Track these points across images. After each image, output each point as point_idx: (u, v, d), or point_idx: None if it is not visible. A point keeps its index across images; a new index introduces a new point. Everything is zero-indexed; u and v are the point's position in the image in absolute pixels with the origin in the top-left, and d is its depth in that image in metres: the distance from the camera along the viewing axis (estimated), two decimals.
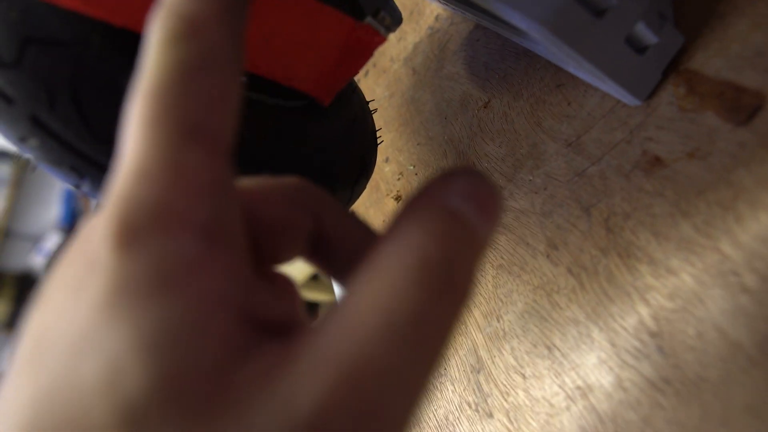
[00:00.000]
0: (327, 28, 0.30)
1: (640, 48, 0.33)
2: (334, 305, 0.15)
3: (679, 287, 0.30)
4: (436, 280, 0.15)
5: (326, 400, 0.13)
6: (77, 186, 0.28)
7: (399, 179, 0.55)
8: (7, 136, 0.27)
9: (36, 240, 3.85)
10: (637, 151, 0.34)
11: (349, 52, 0.32)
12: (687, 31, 0.34)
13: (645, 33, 0.32)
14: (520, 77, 0.45)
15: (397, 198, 0.54)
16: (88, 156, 0.27)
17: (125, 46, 0.28)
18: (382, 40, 0.31)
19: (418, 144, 0.53)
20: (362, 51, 0.32)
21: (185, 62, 0.16)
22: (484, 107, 0.47)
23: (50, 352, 0.14)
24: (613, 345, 0.32)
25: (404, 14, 0.63)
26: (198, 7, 0.17)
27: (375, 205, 0.58)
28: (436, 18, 0.60)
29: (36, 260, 3.77)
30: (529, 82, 0.44)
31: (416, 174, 0.53)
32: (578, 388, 0.33)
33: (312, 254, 0.21)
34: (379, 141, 0.44)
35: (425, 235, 0.16)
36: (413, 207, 0.17)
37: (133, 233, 0.14)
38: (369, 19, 0.31)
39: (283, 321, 0.17)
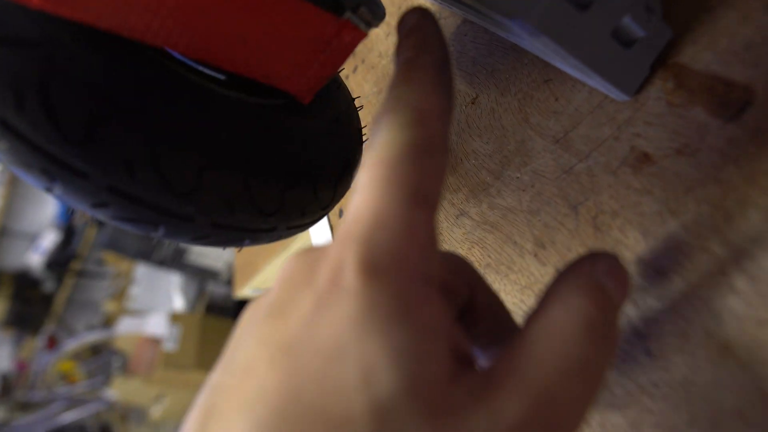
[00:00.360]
0: (305, 24, 0.29)
1: (626, 42, 0.32)
2: (512, 348, 0.20)
3: (667, 288, 0.29)
4: (599, 335, 0.20)
5: (528, 415, 0.18)
6: (48, 189, 0.27)
7: None
8: None
9: (32, 238, 3.83)
10: (625, 148, 0.34)
11: (329, 49, 0.31)
12: (675, 25, 0.33)
13: (632, 26, 0.32)
14: (508, 73, 0.44)
15: None
16: (59, 159, 0.26)
17: (97, 45, 0.27)
18: (363, 35, 0.30)
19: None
20: (343, 48, 0.31)
21: (417, 142, 0.21)
22: (472, 103, 0.46)
23: (302, 355, 0.18)
24: None
25: (392, 9, 0.63)
26: (428, 104, 0.22)
27: None
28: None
29: (33, 258, 3.76)
30: (517, 77, 0.43)
31: None
32: None
33: (457, 319, 0.26)
34: (365, 139, 0.43)
35: (588, 302, 0.21)
36: (570, 280, 0.22)
37: (378, 270, 0.18)
38: (349, 15, 0.30)
39: (467, 354, 0.22)
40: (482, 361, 0.27)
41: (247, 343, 0.20)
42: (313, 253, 0.21)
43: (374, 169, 0.21)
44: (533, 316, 0.21)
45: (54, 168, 0.26)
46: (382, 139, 0.21)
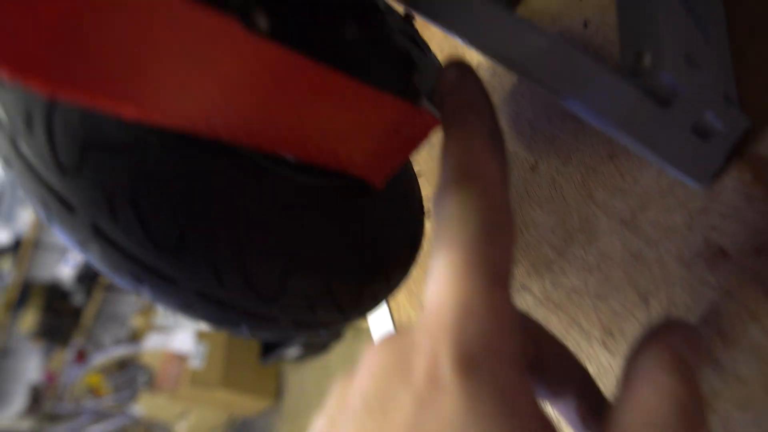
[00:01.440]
0: (382, 114, 0.29)
1: (703, 134, 0.32)
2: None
3: (750, 398, 0.28)
4: (691, 415, 0.20)
5: None
6: (136, 291, 0.28)
7: None
8: (67, 240, 0.27)
9: (63, 251, 3.89)
10: (698, 239, 0.33)
11: (405, 136, 0.31)
12: (753, 113, 0.33)
13: (711, 119, 0.31)
14: (569, 141, 0.44)
15: None
16: (149, 265, 0.26)
17: (183, 148, 0.27)
18: (438, 123, 0.30)
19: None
20: (418, 134, 0.31)
21: (488, 218, 0.21)
22: (531, 170, 0.46)
23: None
24: None
25: (442, 59, 0.63)
26: (489, 172, 0.22)
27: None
28: (478, 66, 0.59)
29: (63, 271, 3.81)
30: (579, 147, 0.43)
31: None
32: None
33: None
34: (426, 213, 0.43)
35: (675, 381, 0.21)
36: (652, 356, 0.22)
37: (474, 364, 0.19)
38: (425, 102, 0.30)
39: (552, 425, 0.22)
40: (553, 406, 0.28)
41: None
42: (401, 343, 0.21)
43: (450, 253, 0.21)
44: (623, 399, 0.22)
45: (143, 273, 0.26)
46: (452, 218, 0.21)
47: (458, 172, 0.23)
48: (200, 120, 0.25)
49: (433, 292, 0.21)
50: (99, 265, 0.27)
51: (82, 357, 3.71)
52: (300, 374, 3.25)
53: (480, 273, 0.20)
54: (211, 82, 0.23)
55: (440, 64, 0.37)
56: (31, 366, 3.93)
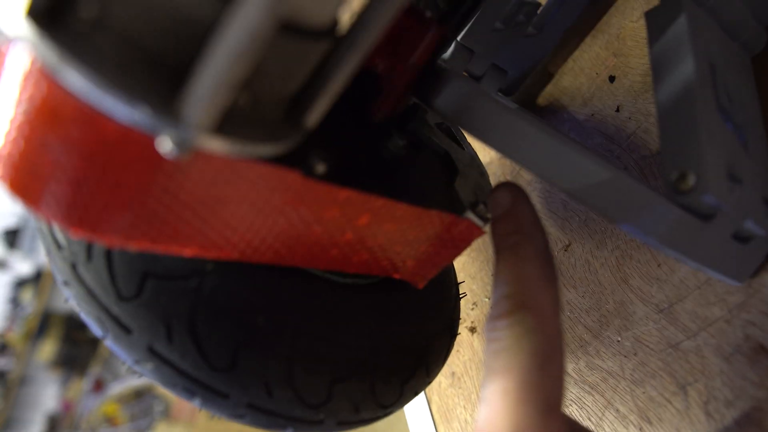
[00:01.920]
0: (430, 228, 0.30)
1: (743, 239, 0.32)
2: None
3: None
4: None
5: None
6: (188, 400, 0.28)
7: (473, 309, 0.54)
8: (120, 357, 0.28)
9: None
10: (738, 334, 0.33)
11: (449, 244, 0.32)
12: None
13: (751, 227, 0.31)
14: (603, 224, 0.44)
15: (472, 329, 0.53)
16: (201, 381, 0.27)
17: (237, 271, 0.28)
18: (481, 232, 0.31)
19: (492, 275, 0.53)
20: (461, 243, 0.32)
21: (541, 348, 0.22)
22: (565, 250, 0.47)
23: None
24: None
25: None
26: (542, 302, 0.23)
27: None
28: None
29: None
30: (613, 232, 0.43)
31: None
32: None
33: None
34: (461, 295, 0.43)
35: None
36: None
37: None
38: (469, 214, 0.31)
39: None
40: None
41: None
42: None
43: (504, 380, 0.21)
44: None
45: (196, 388, 0.27)
46: (505, 348, 0.22)
47: (512, 302, 0.23)
48: (255, 252, 0.26)
49: (486, 419, 0.22)
50: (152, 379, 0.28)
51: (99, 386, 3.72)
52: None
53: (533, 402, 0.21)
54: (269, 222, 0.24)
55: (479, 161, 0.37)
56: (48, 395, 3.95)
